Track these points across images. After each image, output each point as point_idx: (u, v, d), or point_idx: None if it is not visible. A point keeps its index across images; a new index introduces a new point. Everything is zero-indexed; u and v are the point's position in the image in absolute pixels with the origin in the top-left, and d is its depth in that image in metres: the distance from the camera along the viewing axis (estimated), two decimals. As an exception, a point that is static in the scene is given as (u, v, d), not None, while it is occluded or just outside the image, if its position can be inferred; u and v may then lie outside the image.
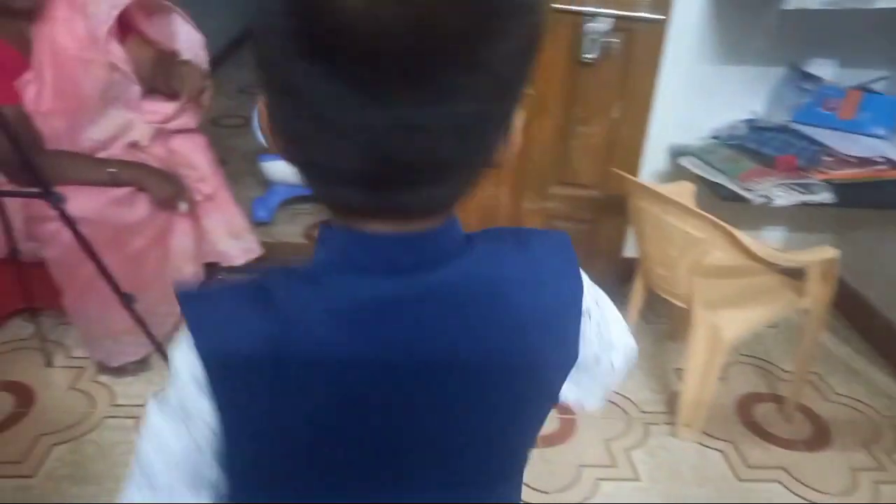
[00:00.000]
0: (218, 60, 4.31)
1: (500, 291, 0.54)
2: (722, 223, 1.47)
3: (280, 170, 2.49)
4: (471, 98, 0.43)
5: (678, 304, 1.69)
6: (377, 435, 0.53)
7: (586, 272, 0.63)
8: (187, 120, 1.98)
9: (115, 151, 1.79)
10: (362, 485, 0.55)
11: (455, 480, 0.58)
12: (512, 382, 0.56)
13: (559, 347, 0.59)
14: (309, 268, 0.51)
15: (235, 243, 2.03)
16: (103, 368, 1.80)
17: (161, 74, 1.83)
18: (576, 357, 0.60)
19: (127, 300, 1.52)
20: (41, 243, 1.66)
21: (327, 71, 0.41)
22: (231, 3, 4.64)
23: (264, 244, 2.13)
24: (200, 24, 4.11)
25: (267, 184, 2.62)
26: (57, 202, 1.36)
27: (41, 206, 1.57)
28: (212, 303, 0.51)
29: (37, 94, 1.61)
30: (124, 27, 1.77)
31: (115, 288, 1.49)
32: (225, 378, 0.49)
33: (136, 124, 1.83)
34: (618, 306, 0.69)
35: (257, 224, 2.40)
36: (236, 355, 0.49)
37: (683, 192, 1.78)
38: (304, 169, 0.48)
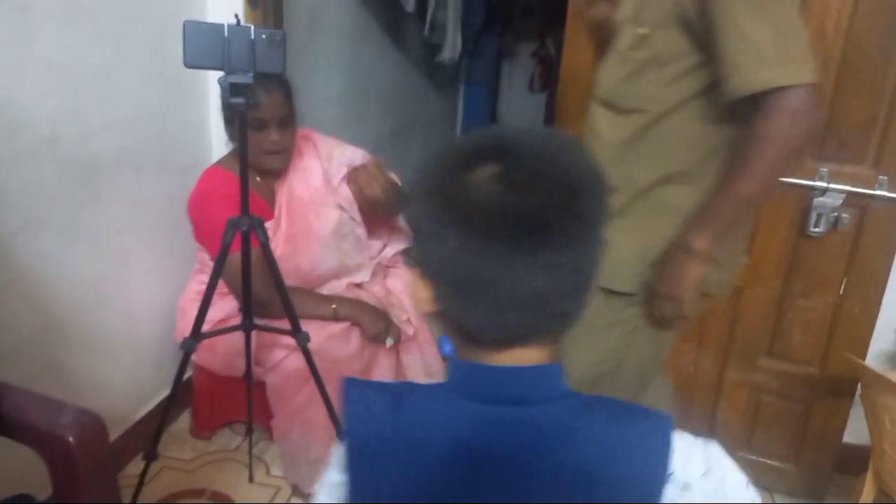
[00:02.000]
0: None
1: (575, 444, 0.61)
2: None
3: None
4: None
5: (924, 517, 1.47)
6: None
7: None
8: (396, 257, 2.15)
9: (338, 290, 1.96)
10: None
11: None
12: None
13: None
14: (438, 387, 0.65)
15: (430, 382, 2.08)
16: (297, 491, 1.88)
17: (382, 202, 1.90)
18: None
19: (344, 436, 1.59)
20: (265, 369, 1.81)
21: (502, 247, 0.56)
22: (426, 145, 5.08)
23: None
24: (399, 163, 4.50)
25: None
26: (304, 342, 1.49)
27: (272, 337, 1.73)
28: (360, 397, 0.66)
29: (273, 240, 1.80)
30: None
31: (336, 423, 1.57)
32: (355, 457, 0.64)
33: (363, 267, 1.99)
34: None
35: (443, 358, 2.46)
36: (366, 442, 0.64)
37: (926, 384, 1.59)
38: (463, 333, 0.63)
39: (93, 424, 1.09)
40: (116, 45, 1.70)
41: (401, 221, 2.17)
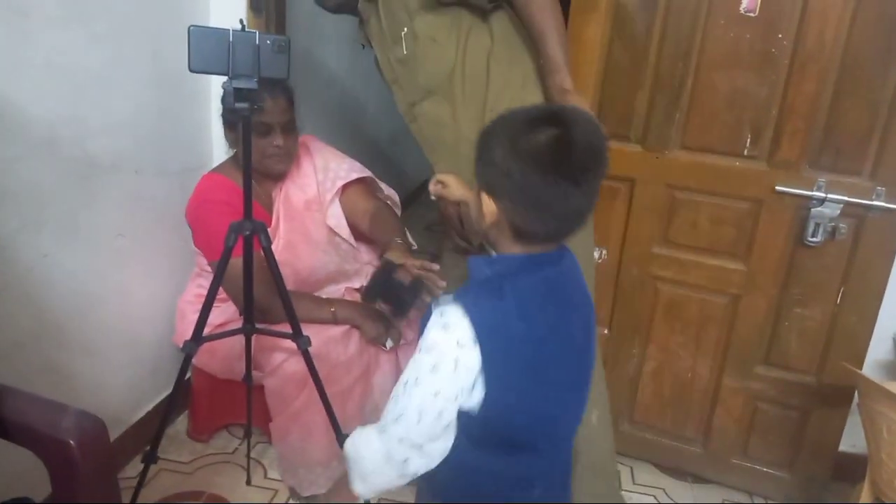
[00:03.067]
0: (409, 200, 4.67)
1: (581, 280, 1.03)
2: None
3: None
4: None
5: (919, 525, 1.48)
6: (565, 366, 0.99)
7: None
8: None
9: (338, 293, 1.96)
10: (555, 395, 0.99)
11: (581, 404, 1.06)
12: (592, 341, 1.05)
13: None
14: (504, 274, 0.93)
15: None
16: (294, 494, 1.87)
17: (378, 227, 1.95)
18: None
19: (343, 439, 1.59)
20: (264, 373, 1.80)
21: (563, 181, 0.87)
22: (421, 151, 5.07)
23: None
24: (397, 169, 4.52)
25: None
26: (305, 345, 1.49)
27: (271, 341, 1.73)
28: (474, 296, 0.92)
29: (273, 245, 1.80)
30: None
31: (336, 427, 1.57)
32: (488, 340, 0.89)
33: (361, 273, 2.00)
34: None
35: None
36: (491, 324, 0.90)
37: (922, 393, 1.60)
38: (521, 234, 0.93)
39: (94, 427, 1.09)
40: (116, 48, 1.70)
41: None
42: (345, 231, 1.94)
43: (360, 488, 0.96)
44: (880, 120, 1.65)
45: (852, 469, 1.85)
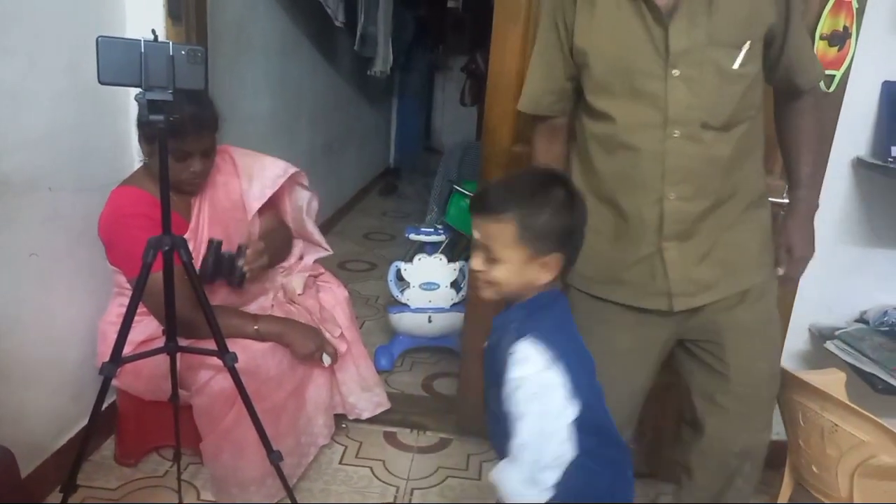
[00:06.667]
0: (346, 208, 4.65)
1: None
2: (891, 429, 1.36)
3: (406, 321, 2.56)
4: None
5: (835, 507, 1.55)
6: None
7: None
8: (317, 264, 2.16)
9: (267, 304, 1.92)
10: None
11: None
12: None
13: None
14: (543, 306, 1.13)
15: (366, 396, 2.08)
16: (228, 516, 1.82)
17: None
18: None
19: (274, 458, 1.56)
20: (191, 391, 1.75)
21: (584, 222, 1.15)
22: (359, 158, 5.06)
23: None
24: (332, 176, 4.46)
25: (390, 333, 2.70)
26: (231, 362, 1.45)
27: (198, 358, 1.69)
28: (535, 328, 1.08)
29: (193, 251, 1.76)
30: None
31: (267, 443, 1.54)
32: (561, 355, 1.06)
33: (278, 276, 1.97)
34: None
35: (378, 372, 2.44)
36: (556, 342, 1.07)
37: (834, 381, 1.67)
38: (563, 274, 1.14)
39: (1, 458, 1.04)
40: (29, 62, 1.63)
41: (314, 234, 2.16)
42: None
43: None
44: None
45: (776, 456, 1.92)
